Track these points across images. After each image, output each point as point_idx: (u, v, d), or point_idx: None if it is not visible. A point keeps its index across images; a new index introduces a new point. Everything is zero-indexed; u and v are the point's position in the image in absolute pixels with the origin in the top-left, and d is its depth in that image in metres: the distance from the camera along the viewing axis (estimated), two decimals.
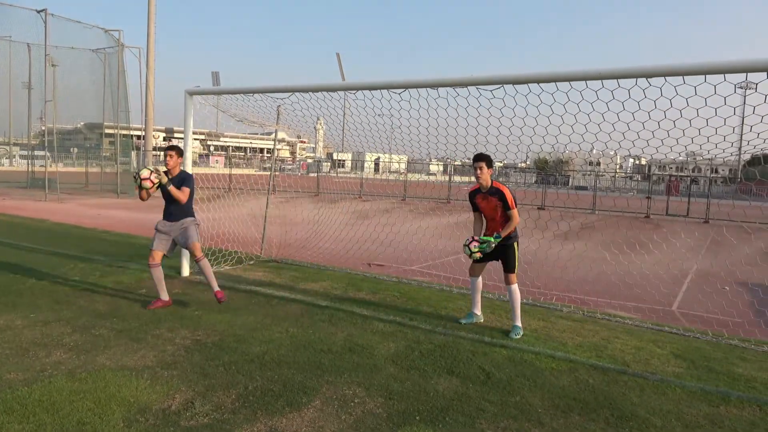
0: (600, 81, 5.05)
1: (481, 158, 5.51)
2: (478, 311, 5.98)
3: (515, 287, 5.56)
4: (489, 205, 5.60)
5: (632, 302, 7.38)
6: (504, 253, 5.57)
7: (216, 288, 6.08)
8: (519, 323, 5.61)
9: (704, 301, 7.68)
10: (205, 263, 6.10)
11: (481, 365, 4.68)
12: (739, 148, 6.13)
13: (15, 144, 42.99)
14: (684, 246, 14.11)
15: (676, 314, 7.03)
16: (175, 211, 6.19)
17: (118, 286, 6.90)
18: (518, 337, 5.47)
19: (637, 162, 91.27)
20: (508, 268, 5.59)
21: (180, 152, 6.22)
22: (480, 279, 5.91)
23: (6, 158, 41.95)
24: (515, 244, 5.63)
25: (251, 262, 8.92)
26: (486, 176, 5.54)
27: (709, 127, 5.24)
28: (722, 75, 4.73)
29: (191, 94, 7.86)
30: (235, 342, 4.99)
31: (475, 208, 5.79)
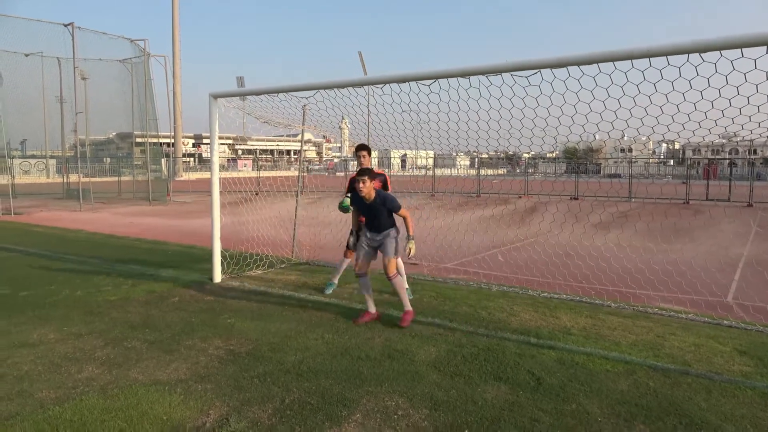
0: (630, 61, 4.66)
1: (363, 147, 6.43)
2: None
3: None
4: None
5: (684, 294, 6.94)
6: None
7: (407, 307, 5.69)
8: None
9: (763, 290, 7.17)
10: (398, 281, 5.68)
11: (530, 369, 4.37)
12: None
13: (51, 157, 44.17)
14: (730, 231, 13.43)
15: (732, 306, 6.56)
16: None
17: (151, 296, 6.79)
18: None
19: (671, 147, 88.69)
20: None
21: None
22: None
23: (43, 170, 43.07)
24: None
25: (283, 266, 8.75)
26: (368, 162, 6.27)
27: (750, 105, 4.79)
28: (764, 47, 4.27)
29: (215, 97, 7.72)
30: (270, 351, 4.79)
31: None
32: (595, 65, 4.73)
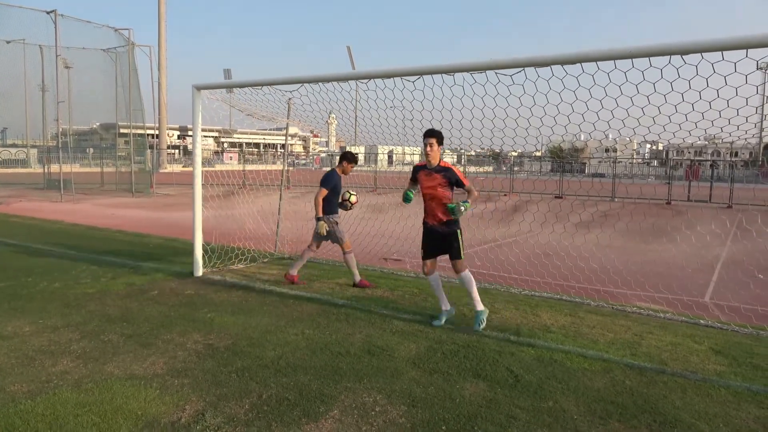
0: (612, 62, 4.67)
1: (433, 134, 5.39)
2: (447, 306, 5.66)
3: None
4: (433, 182, 5.40)
5: (662, 294, 7.03)
6: (449, 242, 5.39)
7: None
8: (481, 307, 5.41)
9: (739, 291, 7.29)
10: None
11: (508, 366, 4.39)
12: (760, 130, 5.72)
13: (32, 146, 43.47)
14: (709, 232, 13.62)
15: (709, 306, 6.66)
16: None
17: (130, 289, 6.71)
18: (482, 326, 5.30)
19: (654, 147, 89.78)
20: (456, 255, 5.37)
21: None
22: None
23: (23, 160, 42.37)
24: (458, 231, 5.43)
25: (265, 260, 8.70)
26: (436, 153, 5.39)
27: (730, 108, 4.85)
28: (744, 51, 4.31)
29: (199, 89, 7.63)
30: (249, 346, 4.76)
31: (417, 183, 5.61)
32: (578, 65, 4.75)
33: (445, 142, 7.43)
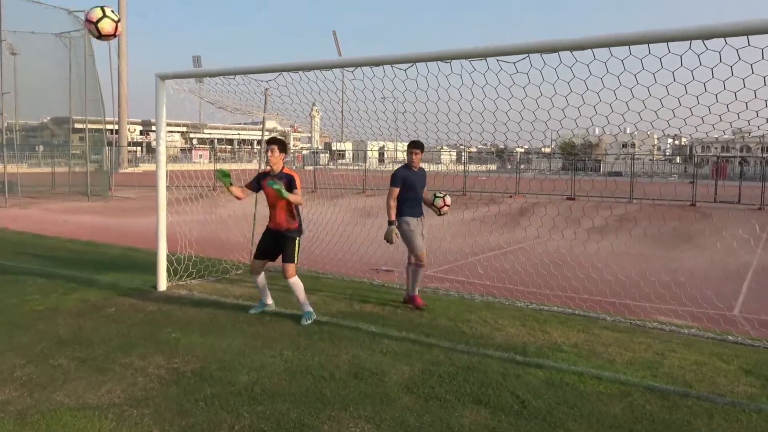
0: (627, 47, 4.69)
1: (275, 141, 6.14)
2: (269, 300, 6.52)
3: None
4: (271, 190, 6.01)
5: (685, 307, 7.07)
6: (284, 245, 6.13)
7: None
8: (308, 308, 6.19)
9: None
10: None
11: (513, 391, 4.39)
12: None
13: None
14: (739, 237, 13.73)
15: (739, 320, 6.71)
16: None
17: (84, 305, 6.66)
18: (309, 321, 6.03)
19: (677, 142, 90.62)
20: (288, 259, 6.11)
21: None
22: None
23: None
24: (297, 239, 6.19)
25: (239, 272, 8.67)
26: (277, 159, 6.08)
27: (758, 99, 4.90)
28: None
29: (163, 78, 7.60)
30: (219, 370, 4.73)
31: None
32: (589, 51, 4.78)
33: (443, 137, 7.47)
